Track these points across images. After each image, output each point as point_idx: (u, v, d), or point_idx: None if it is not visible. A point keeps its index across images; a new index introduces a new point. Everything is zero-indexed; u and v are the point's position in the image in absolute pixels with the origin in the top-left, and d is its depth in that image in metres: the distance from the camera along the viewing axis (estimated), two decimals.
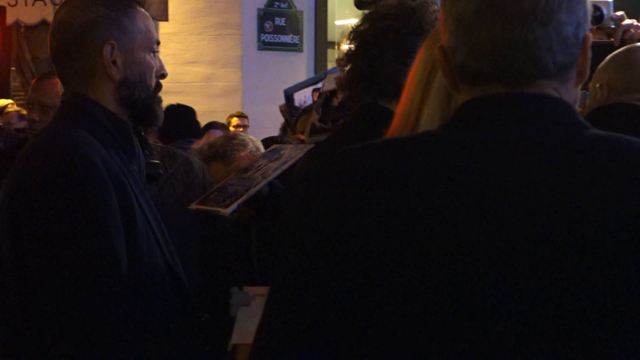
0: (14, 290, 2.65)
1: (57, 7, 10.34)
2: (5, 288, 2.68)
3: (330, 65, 10.67)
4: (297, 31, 10.20)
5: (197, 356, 3.01)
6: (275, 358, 1.76)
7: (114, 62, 2.75)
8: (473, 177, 1.63)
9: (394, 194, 1.66)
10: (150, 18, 2.95)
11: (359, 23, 3.12)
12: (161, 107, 2.94)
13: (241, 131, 8.72)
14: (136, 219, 2.70)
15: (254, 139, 4.64)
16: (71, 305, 2.54)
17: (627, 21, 3.69)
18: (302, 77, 10.17)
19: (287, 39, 10.20)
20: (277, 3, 10.15)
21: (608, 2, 4.00)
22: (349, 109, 3.20)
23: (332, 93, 3.68)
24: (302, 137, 4.79)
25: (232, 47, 9.78)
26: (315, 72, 10.32)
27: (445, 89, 2.30)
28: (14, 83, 11.34)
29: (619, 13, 3.94)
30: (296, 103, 5.79)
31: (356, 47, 3.08)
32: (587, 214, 1.59)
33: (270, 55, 9.96)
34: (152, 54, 2.87)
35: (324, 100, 3.85)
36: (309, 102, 5.79)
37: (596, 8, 3.92)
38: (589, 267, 1.59)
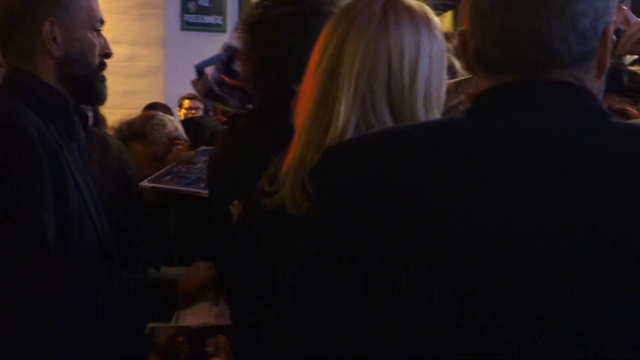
0: None
1: None
2: None
3: None
4: (221, 12, 10.17)
5: (124, 329, 2.95)
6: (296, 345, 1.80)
7: (54, 39, 2.70)
8: (489, 163, 1.62)
9: (419, 180, 1.63)
10: None
11: (251, 14, 3.10)
12: (105, 86, 2.89)
13: (194, 114, 8.62)
14: (68, 194, 2.65)
15: (173, 119, 4.63)
16: None
17: None
18: None
19: (210, 19, 10.15)
20: None
21: None
22: (260, 95, 3.18)
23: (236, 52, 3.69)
24: (223, 118, 4.76)
25: (154, 27, 9.72)
26: None
27: (329, 71, 2.35)
28: None
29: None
30: (209, 78, 5.75)
31: (257, 37, 3.05)
32: (598, 202, 1.57)
33: (193, 36, 9.91)
34: (94, 32, 2.81)
35: (229, 56, 3.87)
36: (216, 77, 5.77)
37: None
38: (601, 260, 1.57)
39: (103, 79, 2.88)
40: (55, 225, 2.59)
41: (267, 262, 2.51)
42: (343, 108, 2.34)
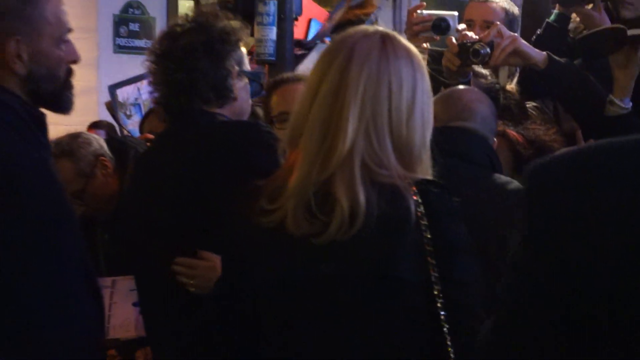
0: None
1: None
2: None
3: None
4: (150, 36, 10.12)
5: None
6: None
7: (19, 57, 2.57)
8: None
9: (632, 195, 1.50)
10: (62, 3, 2.70)
11: (157, 45, 3.11)
12: (72, 93, 2.77)
13: None
14: (58, 218, 2.58)
15: (98, 137, 4.55)
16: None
17: (469, 32, 3.72)
18: None
19: (140, 43, 10.07)
20: (131, 10, 10.06)
21: (454, 15, 4.05)
22: (171, 117, 3.16)
23: None
24: (149, 136, 4.70)
25: (88, 49, 9.57)
26: None
27: (334, 93, 2.31)
28: None
29: (462, 25, 4.00)
30: (120, 99, 5.71)
31: (167, 64, 3.04)
32: None
33: (125, 58, 9.83)
34: (62, 44, 2.68)
35: None
36: (132, 98, 5.73)
37: (442, 19, 3.95)
38: None
39: (70, 87, 2.75)
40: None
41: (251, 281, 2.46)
42: (350, 128, 2.29)
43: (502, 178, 3.05)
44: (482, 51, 3.60)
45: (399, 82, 2.32)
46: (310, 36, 5.71)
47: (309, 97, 2.37)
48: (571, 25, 4.32)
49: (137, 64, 9.83)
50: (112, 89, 5.80)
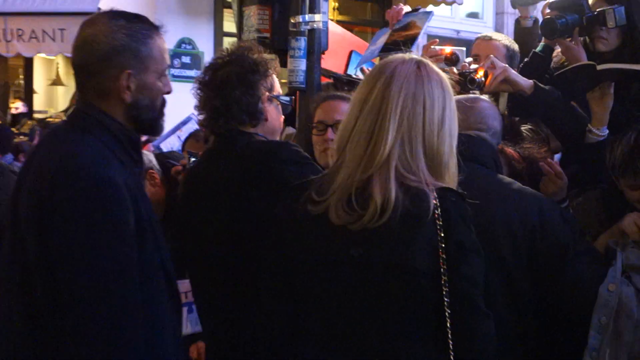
0: (40, 290, 2.44)
1: (10, 42, 9.95)
2: (30, 288, 2.46)
3: None
4: (199, 67, 10.22)
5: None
6: None
7: (128, 88, 2.58)
8: None
9: None
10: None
11: (201, 76, 3.27)
12: (164, 120, 2.77)
13: None
14: (144, 228, 2.55)
15: (148, 153, 4.56)
16: (94, 308, 2.38)
17: (474, 65, 3.85)
18: None
19: (190, 73, 10.24)
20: (184, 45, 10.18)
21: (463, 50, 4.21)
22: (215, 137, 3.31)
23: None
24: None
25: None
26: None
27: (377, 107, 2.46)
28: None
29: (469, 59, 4.14)
30: (164, 150, 5.68)
31: (209, 93, 3.20)
32: None
33: (177, 86, 9.89)
34: (162, 77, 2.69)
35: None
36: (176, 147, 5.68)
37: (453, 53, 4.15)
38: None
39: (163, 115, 2.75)
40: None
41: (290, 261, 2.57)
42: (390, 137, 2.43)
43: (506, 179, 3.12)
44: (477, 79, 3.74)
45: (431, 101, 2.47)
46: (351, 67, 5.66)
47: (355, 112, 2.51)
48: (555, 59, 4.39)
49: (187, 91, 10.07)
50: (157, 144, 5.79)
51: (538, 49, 4.32)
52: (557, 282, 2.92)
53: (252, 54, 3.23)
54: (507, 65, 3.83)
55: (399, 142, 2.44)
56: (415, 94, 2.47)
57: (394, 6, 4.70)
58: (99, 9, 9.25)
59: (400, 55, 2.59)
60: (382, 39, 4.50)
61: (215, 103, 3.16)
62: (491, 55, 3.96)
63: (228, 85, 3.15)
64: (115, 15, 2.64)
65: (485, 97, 3.46)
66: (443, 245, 2.37)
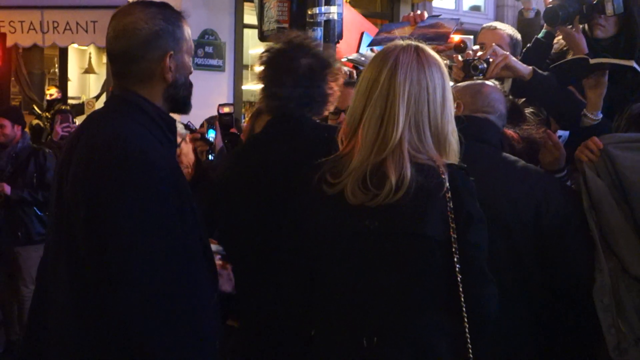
0: (89, 266, 2.36)
1: (46, 34, 9.94)
2: (77, 264, 2.39)
3: (245, 81, 10.67)
4: (221, 56, 10.22)
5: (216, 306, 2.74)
6: None
7: (170, 68, 2.57)
8: None
9: None
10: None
11: (266, 60, 3.25)
12: (191, 97, 2.74)
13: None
14: (184, 205, 2.52)
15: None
16: (148, 279, 2.32)
17: (479, 52, 3.81)
18: (224, 90, 10.16)
19: (213, 62, 10.20)
20: (207, 36, 10.13)
21: (470, 38, 4.18)
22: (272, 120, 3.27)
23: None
24: None
25: None
26: (234, 87, 10.34)
27: (385, 94, 2.46)
28: (14, 89, 11.15)
29: (476, 47, 4.08)
30: None
31: (286, 79, 3.16)
32: None
33: (201, 74, 9.93)
34: (190, 57, 2.69)
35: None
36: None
37: (462, 42, 4.10)
38: None
39: (191, 93, 2.73)
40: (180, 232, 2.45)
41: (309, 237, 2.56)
42: (400, 122, 2.44)
43: (512, 157, 3.14)
44: (480, 66, 3.73)
45: (433, 85, 2.49)
46: (362, 47, 5.63)
47: (363, 99, 2.52)
48: (556, 45, 4.35)
49: (210, 79, 10.05)
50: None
51: (540, 35, 4.33)
52: (560, 251, 2.98)
53: (315, 47, 3.24)
54: (507, 53, 3.83)
55: (408, 126, 2.45)
56: (419, 80, 2.48)
57: (417, 11, 4.64)
58: (128, 2, 9.20)
59: (397, 42, 2.60)
60: (399, 30, 4.40)
61: (294, 90, 3.13)
62: (494, 44, 3.99)
63: (312, 76, 3.14)
64: (147, 4, 2.63)
65: (491, 82, 3.46)
66: (453, 216, 2.39)
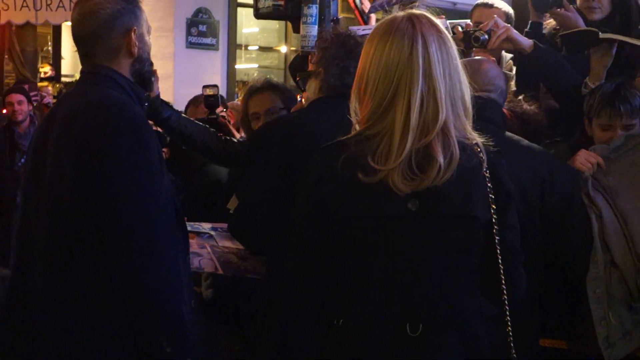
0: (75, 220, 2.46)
1: (39, 11, 9.92)
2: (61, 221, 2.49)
3: (239, 60, 10.61)
4: (215, 35, 10.17)
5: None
6: None
7: (135, 43, 2.70)
8: None
9: None
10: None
11: (320, 45, 3.39)
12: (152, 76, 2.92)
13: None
14: (161, 158, 2.65)
15: None
16: (135, 222, 2.43)
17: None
18: (217, 69, 10.11)
19: (207, 40, 10.16)
20: (200, 14, 10.08)
21: (467, 21, 4.24)
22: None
23: None
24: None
25: (166, 45, 9.68)
26: (228, 66, 10.29)
27: (425, 76, 2.28)
28: (7, 67, 11.08)
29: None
30: None
31: (320, 56, 3.28)
32: None
33: (195, 52, 9.91)
34: (149, 35, 2.82)
35: None
36: None
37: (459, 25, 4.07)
38: None
39: (152, 72, 2.89)
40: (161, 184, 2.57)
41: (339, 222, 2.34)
42: (444, 100, 2.28)
43: (515, 136, 3.12)
44: (481, 37, 3.69)
45: (455, 56, 2.34)
46: None
47: (391, 79, 2.30)
48: (546, 30, 4.29)
49: (204, 57, 10.01)
50: None
51: (527, 28, 4.21)
52: (563, 228, 3.00)
53: (351, 40, 3.35)
54: (509, 25, 3.81)
55: (449, 106, 2.28)
56: (449, 53, 2.31)
57: None
58: None
59: (410, 12, 2.37)
60: None
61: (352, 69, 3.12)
62: (495, 16, 3.92)
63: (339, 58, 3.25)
64: None
65: (487, 58, 3.44)
66: (492, 197, 2.28)
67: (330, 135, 2.46)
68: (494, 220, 2.29)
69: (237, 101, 6.80)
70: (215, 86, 3.99)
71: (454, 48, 2.35)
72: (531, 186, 2.96)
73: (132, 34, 2.69)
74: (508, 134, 3.13)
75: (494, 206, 2.28)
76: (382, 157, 2.26)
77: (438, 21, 2.40)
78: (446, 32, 2.37)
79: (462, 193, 2.27)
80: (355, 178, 2.26)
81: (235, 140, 3.77)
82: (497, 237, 2.28)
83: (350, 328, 2.31)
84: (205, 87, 3.98)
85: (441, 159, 2.22)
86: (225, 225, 3.41)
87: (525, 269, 2.42)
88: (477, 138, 2.33)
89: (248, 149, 3.35)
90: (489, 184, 2.28)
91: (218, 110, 3.96)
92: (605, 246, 3.00)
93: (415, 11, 2.39)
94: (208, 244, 3.26)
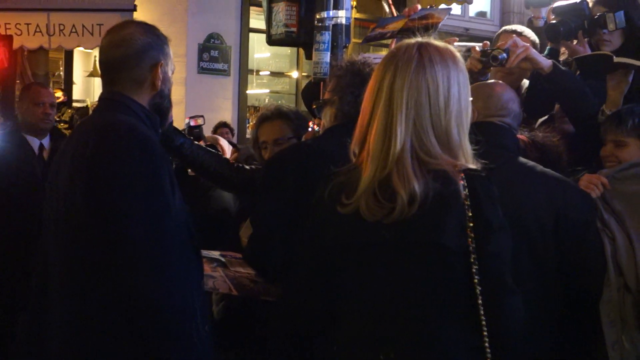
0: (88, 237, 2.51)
1: (52, 37, 9.97)
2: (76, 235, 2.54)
3: (250, 85, 10.63)
4: (227, 60, 10.18)
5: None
6: None
7: (160, 77, 2.79)
8: None
9: None
10: None
11: (335, 73, 3.36)
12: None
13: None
14: (174, 182, 2.67)
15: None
16: (145, 245, 2.47)
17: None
18: (229, 94, 10.13)
19: (219, 66, 10.17)
20: (212, 40, 10.10)
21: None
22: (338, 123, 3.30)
23: None
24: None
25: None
26: (239, 91, 10.31)
27: (387, 105, 2.34)
28: (18, 92, 11.13)
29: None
30: None
31: (335, 84, 3.28)
32: None
33: (206, 78, 9.92)
34: (172, 74, 2.92)
35: None
36: None
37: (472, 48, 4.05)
38: None
39: (171, 110, 2.97)
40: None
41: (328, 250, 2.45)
42: (399, 131, 2.30)
43: (530, 162, 3.09)
44: (500, 56, 3.65)
45: (435, 85, 2.32)
46: None
47: (369, 108, 2.40)
48: (562, 58, 4.27)
49: (215, 83, 10.02)
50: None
51: (544, 53, 4.20)
52: (578, 256, 2.98)
53: (363, 64, 3.36)
54: (528, 45, 3.75)
55: (409, 134, 2.31)
56: (418, 84, 2.32)
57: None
58: (135, 6, 9.21)
59: (405, 42, 2.44)
60: (393, 24, 4.33)
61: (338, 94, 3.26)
62: (514, 35, 3.90)
63: (351, 88, 3.26)
64: (140, 22, 2.91)
65: (499, 82, 3.41)
66: (471, 225, 2.26)
67: (345, 163, 2.50)
68: (471, 250, 2.25)
69: (248, 127, 6.80)
70: (201, 116, 4.02)
71: (440, 75, 2.34)
72: (546, 212, 2.94)
73: (159, 68, 2.78)
74: (522, 159, 3.11)
75: (472, 235, 2.26)
76: (352, 190, 2.36)
77: (441, 46, 2.42)
78: (442, 59, 2.37)
79: (434, 222, 2.28)
80: (335, 209, 2.38)
81: (247, 167, 3.78)
82: (474, 267, 2.25)
83: (341, 354, 2.39)
84: (191, 117, 4.00)
85: (403, 193, 2.26)
86: (233, 253, 3.40)
87: (521, 298, 2.36)
88: (468, 164, 2.33)
89: (263, 177, 3.34)
90: (468, 213, 2.26)
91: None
92: (618, 269, 2.98)
93: (419, 39, 2.44)
94: (220, 268, 3.25)
